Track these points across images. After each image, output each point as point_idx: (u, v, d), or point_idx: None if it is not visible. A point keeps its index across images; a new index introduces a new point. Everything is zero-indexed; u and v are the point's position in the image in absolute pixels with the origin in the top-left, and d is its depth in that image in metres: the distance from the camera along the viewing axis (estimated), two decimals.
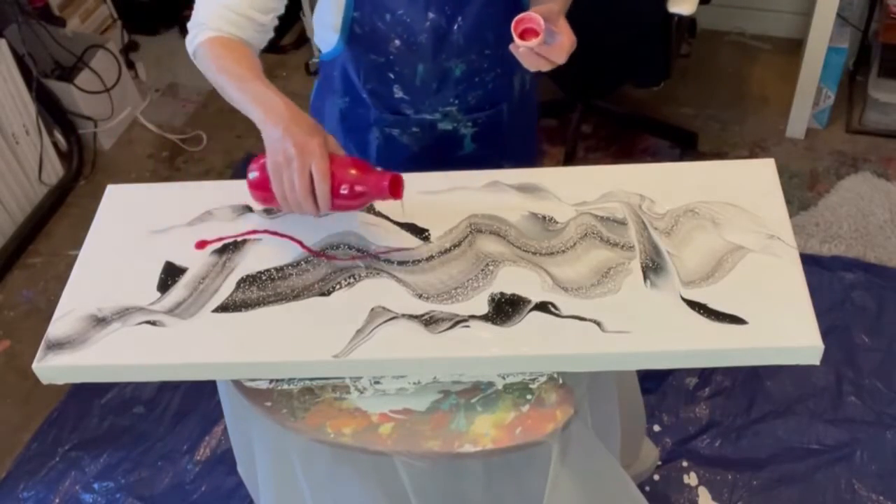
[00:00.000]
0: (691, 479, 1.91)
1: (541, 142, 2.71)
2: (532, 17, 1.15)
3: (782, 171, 1.35)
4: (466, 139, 1.45)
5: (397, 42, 1.31)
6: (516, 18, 1.15)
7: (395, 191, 1.14)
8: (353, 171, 1.12)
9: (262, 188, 1.17)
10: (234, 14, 1.23)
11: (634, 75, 2.49)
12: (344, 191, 1.11)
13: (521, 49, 1.17)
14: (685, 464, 1.94)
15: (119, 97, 2.88)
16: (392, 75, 1.36)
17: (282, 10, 1.29)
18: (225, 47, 1.22)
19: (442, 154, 1.46)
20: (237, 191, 1.31)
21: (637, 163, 1.31)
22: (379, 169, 1.15)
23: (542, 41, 1.15)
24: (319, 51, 1.45)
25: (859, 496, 1.85)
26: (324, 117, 1.52)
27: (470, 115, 1.42)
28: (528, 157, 1.61)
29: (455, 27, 1.30)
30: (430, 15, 1.28)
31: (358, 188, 1.12)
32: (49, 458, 2.08)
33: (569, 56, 1.20)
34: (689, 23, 2.53)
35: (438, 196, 1.26)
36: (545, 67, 1.21)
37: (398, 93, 1.38)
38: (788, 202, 1.21)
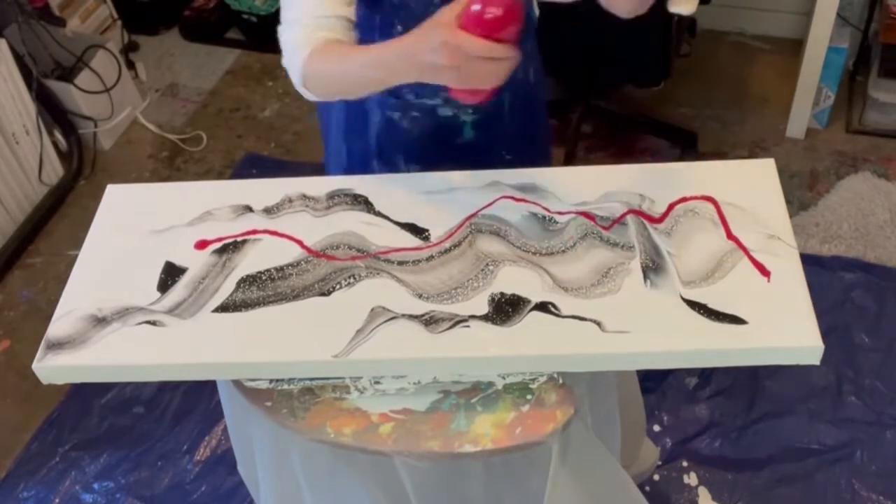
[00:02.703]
0: (691, 479, 1.92)
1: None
2: None
3: (782, 171, 1.34)
4: (467, 126, 1.44)
5: (399, 27, 1.30)
6: None
7: None
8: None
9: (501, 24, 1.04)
10: (328, 19, 1.20)
11: (634, 75, 2.49)
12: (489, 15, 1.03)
13: None
14: (685, 464, 1.94)
15: (119, 97, 2.88)
16: None
17: None
18: (329, 47, 1.19)
19: (442, 140, 1.44)
20: (237, 191, 1.31)
21: (637, 163, 1.31)
22: None
23: None
24: None
25: (859, 496, 1.85)
26: (327, 104, 1.51)
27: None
28: (537, 160, 1.59)
29: None
30: (436, 0, 1.27)
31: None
32: (49, 458, 2.08)
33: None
34: (689, 23, 2.53)
35: (438, 196, 1.26)
36: (643, 9, 1.24)
37: None
38: (788, 202, 1.21)
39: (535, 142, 1.59)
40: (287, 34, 1.22)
